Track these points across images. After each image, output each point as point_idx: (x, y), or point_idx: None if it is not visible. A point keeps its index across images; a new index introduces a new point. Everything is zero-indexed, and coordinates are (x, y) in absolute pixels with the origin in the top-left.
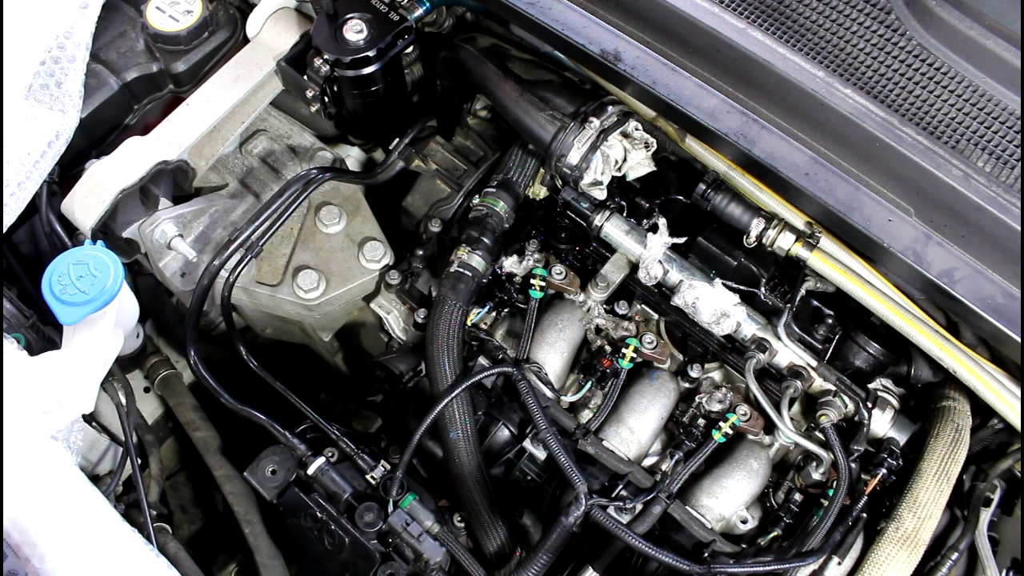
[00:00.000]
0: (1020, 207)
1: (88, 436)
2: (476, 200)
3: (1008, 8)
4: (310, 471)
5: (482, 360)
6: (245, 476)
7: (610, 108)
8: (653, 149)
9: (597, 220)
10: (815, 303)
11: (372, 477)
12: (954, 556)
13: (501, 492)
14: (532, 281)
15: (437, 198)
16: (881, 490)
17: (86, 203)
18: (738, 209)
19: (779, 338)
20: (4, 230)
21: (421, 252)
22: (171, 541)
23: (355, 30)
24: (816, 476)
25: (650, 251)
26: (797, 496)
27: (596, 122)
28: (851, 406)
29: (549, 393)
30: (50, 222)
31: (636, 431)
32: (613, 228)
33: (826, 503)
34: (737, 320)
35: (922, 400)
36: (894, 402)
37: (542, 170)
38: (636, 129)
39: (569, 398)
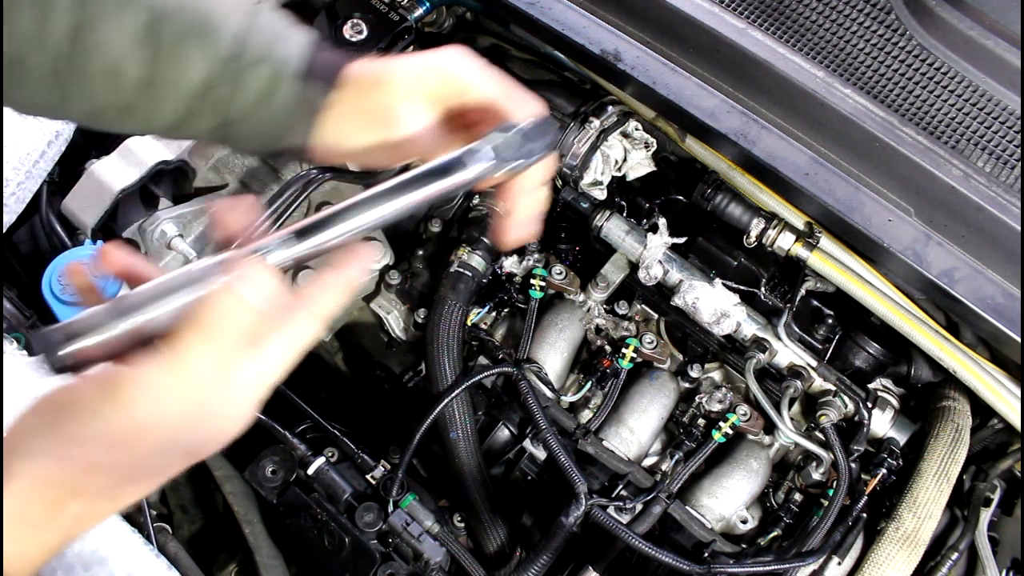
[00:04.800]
0: (1020, 207)
1: None
2: (476, 200)
3: (1008, 8)
4: (310, 471)
5: (482, 360)
6: (245, 476)
7: (610, 108)
8: (653, 149)
9: (597, 220)
10: (815, 303)
11: (372, 477)
12: (954, 556)
13: (501, 492)
14: (532, 281)
15: None
16: (881, 490)
17: (86, 203)
18: (738, 209)
19: (779, 338)
20: (4, 230)
21: (421, 252)
22: (171, 541)
23: (355, 30)
24: (816, 476)
25: (650, 251)
26: (797, 496)
27: (596, 122)
28: (851, 406)
29: (549, 393)
30: (50, 222)
31: (636, 431)
32: (613, 228)
33: (826, 503)
34: (737, 320)
35: (922, 400)
36: (894, 402)
37: None
38: (636, 129)
39: (569, 398)
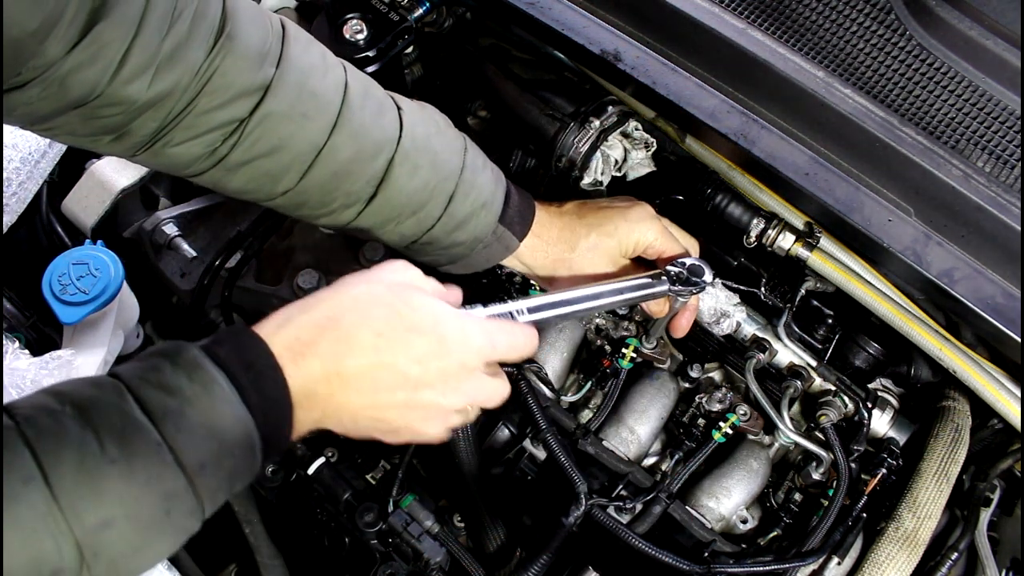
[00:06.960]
0: (1020, 207)
1: None
2: None
3: (1008, 8)
4: (310, 471)
5: None
6: None
7: (610, 108)
8: (653, 149)
9: None
10: (815, 303)
11: (372, 477)
12: (954, 556)
13: (501, 492)
14: (532, 281)
15: None
16: (881, 490)
17: (86, 203)
18: (738, 209)
19: (779, 338)
20: (4, 230)
21: None
22: None
23: (355, 30)
24: (816, 476)
25: None
26: (797, 496)
27: (596, 122)
28: (851, 406)
29: (549, 393)
30: (50, 222)
31: (636, 431)
32: None
33: (826, 503)
34: (737, 320)
35: (922, 400)
36: (894, 402)
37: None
38: (636, 129)
39: (569, 398)
